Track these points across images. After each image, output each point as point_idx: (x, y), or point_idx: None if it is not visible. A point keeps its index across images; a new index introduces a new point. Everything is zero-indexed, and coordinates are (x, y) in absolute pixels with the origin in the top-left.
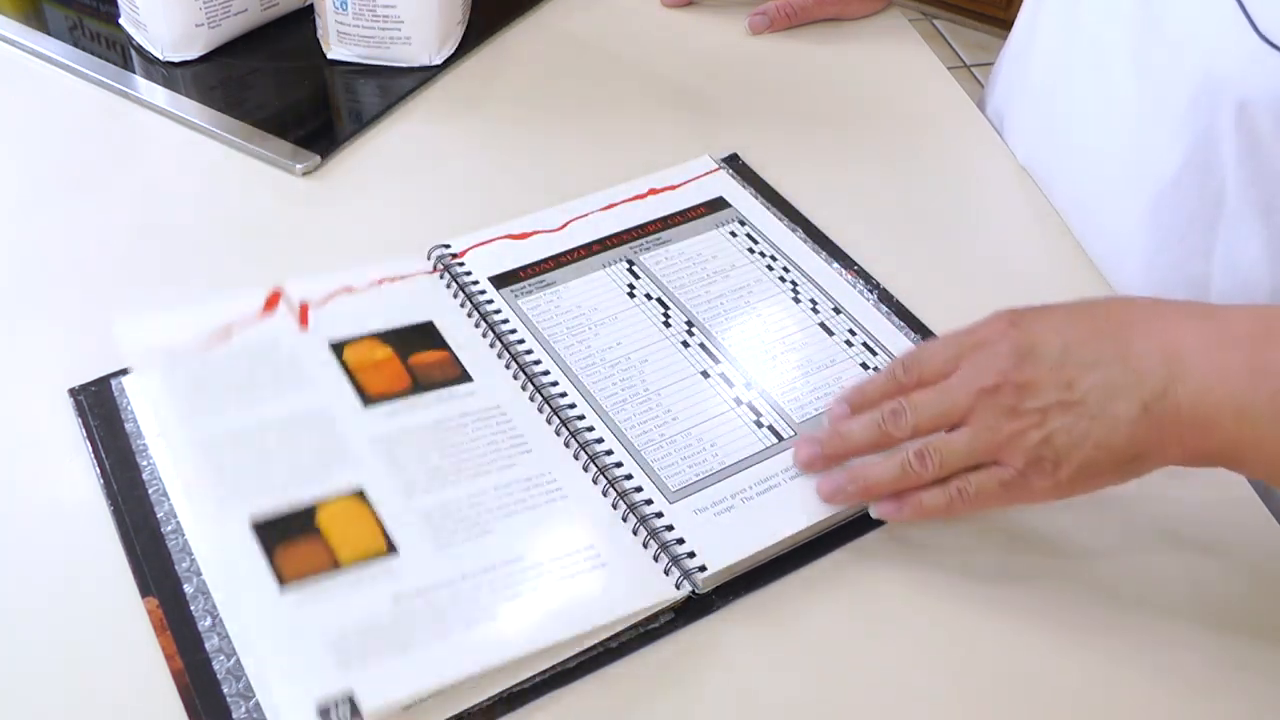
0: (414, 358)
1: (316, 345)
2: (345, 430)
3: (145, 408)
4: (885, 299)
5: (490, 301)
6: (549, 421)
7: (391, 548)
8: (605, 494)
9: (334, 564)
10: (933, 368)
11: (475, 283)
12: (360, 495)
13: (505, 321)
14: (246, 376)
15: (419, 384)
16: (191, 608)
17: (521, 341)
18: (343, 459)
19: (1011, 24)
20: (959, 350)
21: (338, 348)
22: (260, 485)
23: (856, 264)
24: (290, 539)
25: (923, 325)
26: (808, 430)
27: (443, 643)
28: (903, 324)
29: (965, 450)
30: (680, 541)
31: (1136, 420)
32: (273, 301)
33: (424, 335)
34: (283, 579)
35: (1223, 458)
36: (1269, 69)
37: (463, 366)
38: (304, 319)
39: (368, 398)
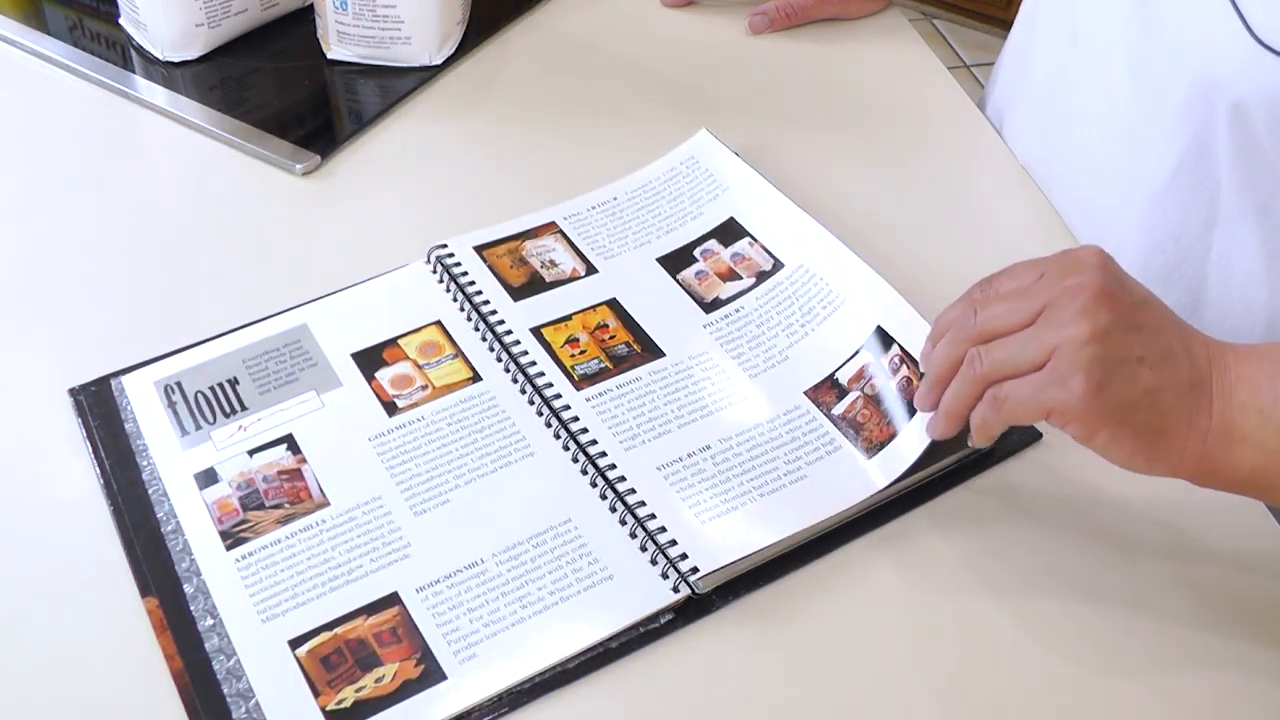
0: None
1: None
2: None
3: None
4: None
5: (487, 303)
6: (556, 437)
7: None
8: (604, 497)
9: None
10: (1012, 282)
11: (472, 283)
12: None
13: (502, 323)
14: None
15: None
16: (191, 608)
17: (518, 343)
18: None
19: (1011, 24)
20: (1044, 267)
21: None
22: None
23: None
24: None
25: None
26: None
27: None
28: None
29: (1018, 347)
30: (674, 543)
31: (1184, 390)
32: None
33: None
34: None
35: (1240, 477)
36: (1263, 71)
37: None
38: None
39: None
